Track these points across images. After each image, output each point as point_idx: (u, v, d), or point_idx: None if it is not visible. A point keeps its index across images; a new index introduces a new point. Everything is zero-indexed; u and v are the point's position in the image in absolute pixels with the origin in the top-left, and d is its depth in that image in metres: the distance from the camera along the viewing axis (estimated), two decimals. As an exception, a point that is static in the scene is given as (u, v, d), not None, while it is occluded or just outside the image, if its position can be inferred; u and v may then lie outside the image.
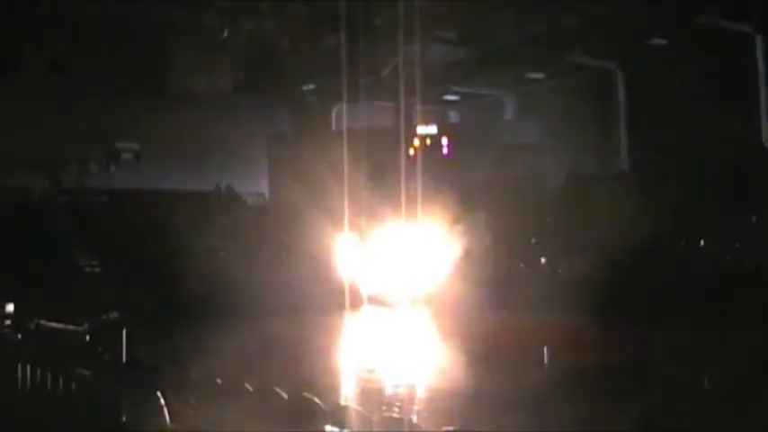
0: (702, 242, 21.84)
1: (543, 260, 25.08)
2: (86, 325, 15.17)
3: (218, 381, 7.87)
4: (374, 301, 26.34)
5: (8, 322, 16.72)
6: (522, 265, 25.24)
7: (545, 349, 12.29)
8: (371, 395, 12.68)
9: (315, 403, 6.76)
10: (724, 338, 15.07)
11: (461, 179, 27.51)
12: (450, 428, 6.81)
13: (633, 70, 31.87)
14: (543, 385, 11.32)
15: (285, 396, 7.00)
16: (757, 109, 27.24)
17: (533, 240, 25.99)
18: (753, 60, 27.13)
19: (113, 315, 18.95)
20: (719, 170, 23.03)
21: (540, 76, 35.06)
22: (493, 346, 16.25)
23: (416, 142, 29.51)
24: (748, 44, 27.17)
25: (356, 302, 25.07)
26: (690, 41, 27.42)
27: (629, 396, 10.83)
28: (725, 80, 27.34)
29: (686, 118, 28.05)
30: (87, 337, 14.25)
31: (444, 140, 29.61)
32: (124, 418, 7.17)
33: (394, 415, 8.75)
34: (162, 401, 6.58)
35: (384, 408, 10.70)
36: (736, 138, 27.09)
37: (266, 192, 31.84)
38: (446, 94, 37.53)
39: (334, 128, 35.15)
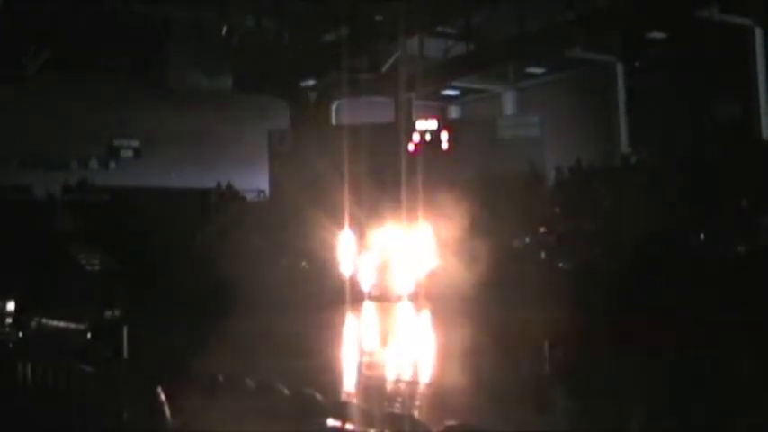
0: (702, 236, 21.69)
1: (543, 255, 24.88)
2: (87, 323, 15.18)
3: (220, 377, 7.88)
4: (373, 296, 26.33)
5: (9, 320, 16.73)
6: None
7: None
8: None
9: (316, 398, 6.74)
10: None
11: (461, 174, 27.41)
12: (452, 423, 6.79)
13: (633, 64, 31.87)
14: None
15: (286, 392, 6.99)
16: (757, 102, 27.23)
17: (534, 236, 25.79)
18: (752, 53, 27.14)
19: (115, 313, 18.96)
20: (719, 164, 22.92)
21: (540, 70, 35.07)
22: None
23: (416, 137, 29.41)
24: (748, 37, 27.18)
25: (356, 298, 25.04)
26: (689, 35, 27.42)
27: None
28: (724, 73, 27.34)
29: (686, 111, 28.03)
30: (88, 335, 14.26)
31: (444, 135, 29.51)
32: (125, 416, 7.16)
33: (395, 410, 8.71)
34: (162, 397, 6.57)
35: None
36: (736, 131, 27.09)
37: (267, 188, 31.77)
38: (446, 89, 37.49)
39: (333, 123, 35.13)
